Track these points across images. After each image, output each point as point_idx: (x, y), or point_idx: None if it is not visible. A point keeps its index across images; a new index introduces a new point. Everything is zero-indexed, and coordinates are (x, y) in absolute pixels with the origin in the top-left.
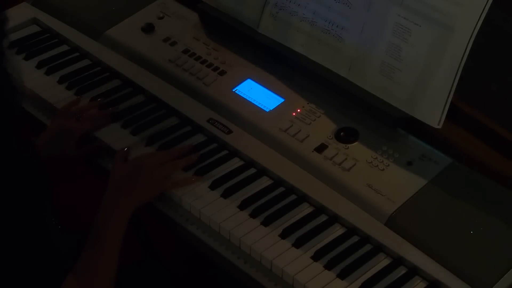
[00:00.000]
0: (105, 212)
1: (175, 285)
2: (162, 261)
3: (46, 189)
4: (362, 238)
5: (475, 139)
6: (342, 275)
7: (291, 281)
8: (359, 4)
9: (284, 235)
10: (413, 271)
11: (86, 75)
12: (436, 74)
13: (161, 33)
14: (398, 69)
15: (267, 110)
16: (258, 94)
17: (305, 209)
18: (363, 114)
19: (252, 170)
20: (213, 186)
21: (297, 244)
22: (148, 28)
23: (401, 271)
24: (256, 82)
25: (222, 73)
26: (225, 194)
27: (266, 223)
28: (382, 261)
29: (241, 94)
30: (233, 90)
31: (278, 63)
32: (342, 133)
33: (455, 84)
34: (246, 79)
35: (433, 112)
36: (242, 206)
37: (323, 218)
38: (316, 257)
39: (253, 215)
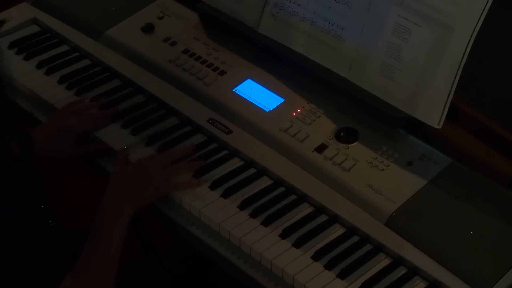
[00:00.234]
0: (106, 214)
1: (175, 285)
2: (161, 260)
3: (42, 190)
4: (362, 238)
5: (475, 139)
6: (342, 275)
7: (291, 281)
8: (359, 4)
9: (284, 235)
10: (413, 271)
11: (86, 75)
12: (436, 74)
13: (161, 33)
14: (398, 69)
15: (267, 110)
16: (258, 94)
17: (305, 209)
18: (363, 114)
19: (252, 170)
20: (213, 186)
21: (297, 244)
22: (148, 28)
23: (401, 271)
24: (256, 82)
25: (222, 73)
26: (225, 194)
27: (266, 223)
28: (382, 261)
29: (241, 94)
30: (233, 90)
31: (278, 63)
32: (342, 133)
33: (455, 84)
34: (246, 79)
35: (433, 112)
36: (242, 206)
37: (323, 218)
38: (316, 257)
39: (253, 215)
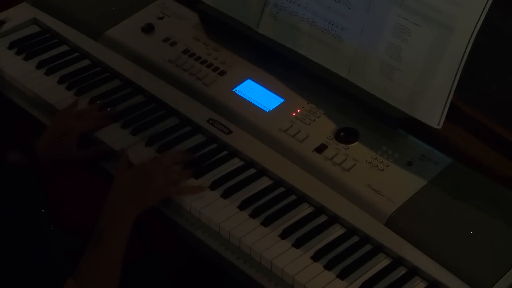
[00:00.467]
0: (108, 216)
1: (175, 285)
2: (161, 260)
3: (42, 195)
4: (362, 238)
5: (475, 139)
6: (342, 275)
7: (291, 281)
8: (359, 4)
9: (284, 235)
10: (413, 271)
11: (86, 75)
12: (436, 74)
13: (161, 33)
14: (398, 69)
15: (267, 110)
16: (258, 94)
17: (305, 209)
18: (363, 114)
19: (252, 170)
20: (213, 187)
21: (297, 244)
22: (148, 28)
23: (401, 271)
24: (256, 82)
25: (222, 73)
26: (225, 195)
27: (266, 223)
28: (382, 261)
29: (241, 94)
30: (233, 90)
31: (278, 63)
32: (342, 133)
33: (455, 84)
34: (246, 79)
35: (433, 112)
36: (242, 206)
37: (323, 218)
38: (316, 257)
39: (253, 215)
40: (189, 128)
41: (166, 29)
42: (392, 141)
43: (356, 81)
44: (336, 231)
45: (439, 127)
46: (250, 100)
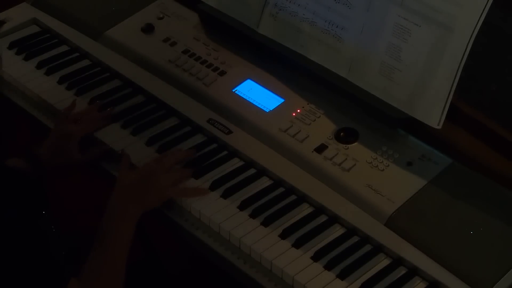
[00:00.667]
0: (112, 218)
1: (175, 285)
2: (161, 260)
3: (43, 197)
4: (362, 239)
5: (475, 139)
6: (342, 276)
7: (291, 282)
8: (359, 4)
9: (284, 235)
10: (413, 272)
11: (86, 75)
12: (436, 74)
13: (161, 33)
14: (398, 69)
15: (267, 111)
16: (258, 95)
17: (305, 210)
18: (363, 115)
19: (252, 171)
20: (213, 187)
21: (297, 244)
22: (148, 29)
23: (401, 271)
24: (256, 82)
25: (222, 73)
26: (225, 195)
27: (266, 223)
28: (382, 262)
29: (241, 95)
30: (233, 90)
31: (278, 63)
32: (342, 134)
33: (455, 84)
34: (246, 80)
35: (433, 113)
36: (242, 207)
37: (323, 218)
38: (316, 257)
39: (253, 215)
40: (189, 128)
41: (166, 29)
42: (392, 141)
43: (356, 81)
44: (336, 231)
45: (439, 127)
46: (250, 100)
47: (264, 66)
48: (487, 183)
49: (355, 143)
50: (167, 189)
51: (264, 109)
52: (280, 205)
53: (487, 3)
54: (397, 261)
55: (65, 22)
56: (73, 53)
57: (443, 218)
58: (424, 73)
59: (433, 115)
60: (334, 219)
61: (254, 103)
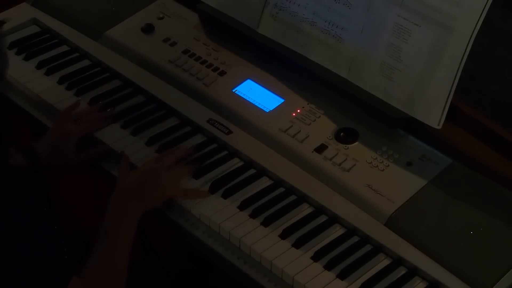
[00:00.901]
0: (114, 217)
1: (175, 284)
2: (161, 260)
3: (44, 194)
4: (362, 239)
5: (475, 139)
6: (342, 276)
7: (291, 282)
8: (359, 5)
9: (284, 235)
10: (413, 272)
11: (86, 75)
12: (436, 75)
13: (161, 33)
14: (398, 69)
15: (267, 111)
16: (258, 95)
17: (305, 210)
18: (363, 115)
19: (252, 171)
20: (213, 187)
21: (297, 244)
22: (148, 29)
23: (401, 271)
24: (256, 82)
25: (222, 73)
26: (225, 195)
27: (266, 223)
28: (382, 262)
29: (241, 95)
30: (233, 90)
31: (278, 64)
32: (342, 134)
33: (455, 84)
34: (246, 80)
35: (433, 113)
36: (242, 207)
37: (323, 218)
38: (316, 257)
39: (253, 215)
40: (189, 128)
41: (166, 29)
42: (392, 141)
43: (356, 81)
44: (336, 231)
45: (439, 127)
46: (250, 100)
47: (264, 66)
48: (487, 183)
49: (355, 143)
50: (168, 188)
51: (264, 109)
52: (280, 205)
53: (487, 3)
54: (397, 261)
55: (65, 22)
56: (73, 53)
57: (443, 218)
58: (424, 73)
59: (433, 115)
60: (334, 219)
61: (254, 103)
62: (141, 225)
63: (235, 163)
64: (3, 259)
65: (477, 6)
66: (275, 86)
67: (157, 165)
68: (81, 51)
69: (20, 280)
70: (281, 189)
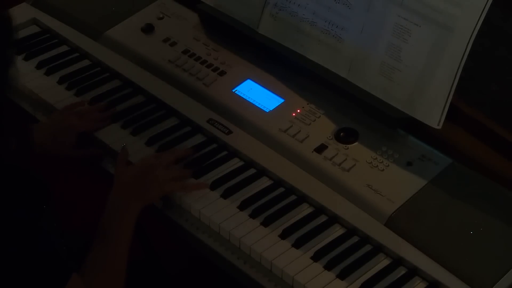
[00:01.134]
0: (112, 213)
1: (174, 285)
2: (161, 260)
3: (45, 191)
4: (362, 239)
5: (475, 139)
6: (342, 276)
7: (291, 282)
8: (359, 5)
9: (284, 235)
10: (413, 272)
11: (86, 75)
12: (436, 75)
13: (161, 33)
14: (398, 69)
15: (267, 111)
16: (258, 95)
17: (305, 210)
18: (363, 115)
19: (252, 171)
20: (213, 187)
21: (297, 244)
22: (148, 29)
23: (401, 271)
24: (256, 82)
25: (222, 73)
26: (225, 195)
27: (266, 223)
28: (382, 262)
29: (241, 95)
30: (233, 90)
31: (278, 64)
32: (342, 134)
33: (455, 84)
34: (246, 80)
35: (433, 113)
36: (242, 207)
37: (323, 218)
38: (316, 257)
39: (253, 215)
40: (189, 128)
41: (166, 29)
42: (392, 141)
43: (356, 81)
44: (336, 231)
45: (439, 127)
46: (250, 100)
47: (264, 66)
48: (487, 183)
49: (355, 143)
50: (166, 184)
51: (264, 109)
52: (280, 205)
53: (487, 3)
54: (397, 261)
55: (65, 22)
56: (73, 53)
57: (443, 218)
58: (424, 73)
59: (433, 115)
60: (334, 219)
61: (254, 103)
62: (141, 225)
63: (235, 163)
64: (3, 255)
65: (477, 6)
66: (275, 86)
67: (155, 161)
68: (81, 51)
69: (20, 276)
70: (281, 189)
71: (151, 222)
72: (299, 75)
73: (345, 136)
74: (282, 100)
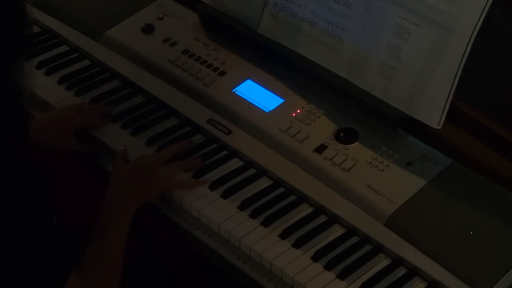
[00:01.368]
0: (109, 211)
1: (174, 284)
2: (161, 260)
3: (45, 190)
4: (362, 239)
5: (475, 139)
6: (342, 276)
7: (291, 282)
8: (359, 5)
9: (284, 235)
10: (413, 272)
11: (86, 75)
12: (436, 75)
13: (161, 33)
14: (398, 69)
15: (267, 111)
16: (258, 95)
17: (305, 210)
18: (363, 115)
19: (252, 171)
20: (213, 187)
21: (297, 244)
22: (148, 29)
23: (401, 271)
24: (256, 82)
25: (222, 73)
26: (225, 195)
27: (266, 223)
28: (382, 262)
29: (241, 95)
30: (233, 90)
31: (278, 64)
32: (342, 134)
33: (455, 84)
34: (246, 80)
35: (433, 113)
36: (242, 207)
37: (323, 218)
38: (316, 257)
39: (253, 215)
40: (189, 128)
41: (166, 29)
42: (392, 141)
43: (356, 81)
44: (336, 231)
45: (439, 127)
46: (250, 101)
47: (264, 66)
48: (487, 183)
49: (355, 143)
50: (163, 182)
51: (264, 109)
52: (280, 205)
53: (487, 3)
54: (397, 261)
55: (65, 22)
56: (73, 53)
57: (443, 218)
58: (424, 73)
59: (433, 115)
60: (334, 219)
61: (254, 103)
62: (141, 225)
63: (235, 163)
64: (3, 253)
65: (477, 6)
66: (275, 86)
67: (152, 159)
68: (81, 51)
69: (20, 274)
70: (281, 189)
71: (151, 222)
72: (299, 75)
73: (345, 136)
74: (282, 100)
